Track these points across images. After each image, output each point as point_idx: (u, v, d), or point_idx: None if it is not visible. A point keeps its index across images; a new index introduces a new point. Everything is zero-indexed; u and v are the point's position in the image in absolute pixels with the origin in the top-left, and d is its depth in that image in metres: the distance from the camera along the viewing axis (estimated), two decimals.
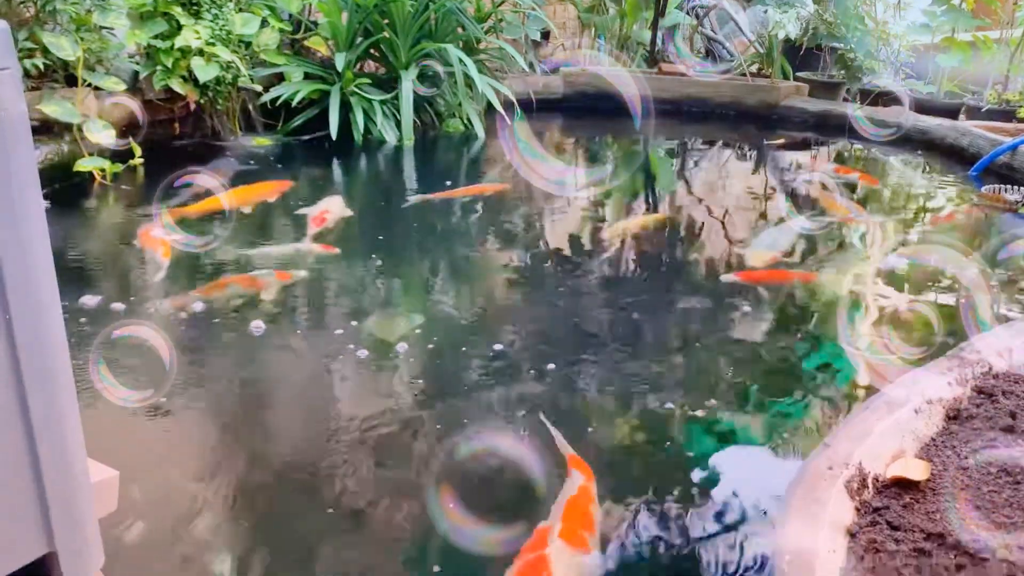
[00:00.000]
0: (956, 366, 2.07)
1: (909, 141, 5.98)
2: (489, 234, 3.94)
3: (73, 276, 3.04)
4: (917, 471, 1.68)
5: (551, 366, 2.49)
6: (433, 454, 2.08)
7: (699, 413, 2.30)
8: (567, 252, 3.67)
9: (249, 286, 2.99)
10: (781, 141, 6.31)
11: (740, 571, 1.72)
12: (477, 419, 2.24)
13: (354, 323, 2.76)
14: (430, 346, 2.63)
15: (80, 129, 4.06)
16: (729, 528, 1.85)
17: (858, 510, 1.59)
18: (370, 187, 4.87)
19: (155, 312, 2.77)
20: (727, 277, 3.33)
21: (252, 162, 4.80)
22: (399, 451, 2.10)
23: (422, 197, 4.26)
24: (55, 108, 3.95)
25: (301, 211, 3.84)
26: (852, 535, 1.53)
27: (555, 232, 4.02)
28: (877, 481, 1.67)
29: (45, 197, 1.25)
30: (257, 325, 2.67)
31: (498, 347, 2.63)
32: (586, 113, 6.94)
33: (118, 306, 2.76)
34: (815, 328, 2.93)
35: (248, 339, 2.62)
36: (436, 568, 1.69)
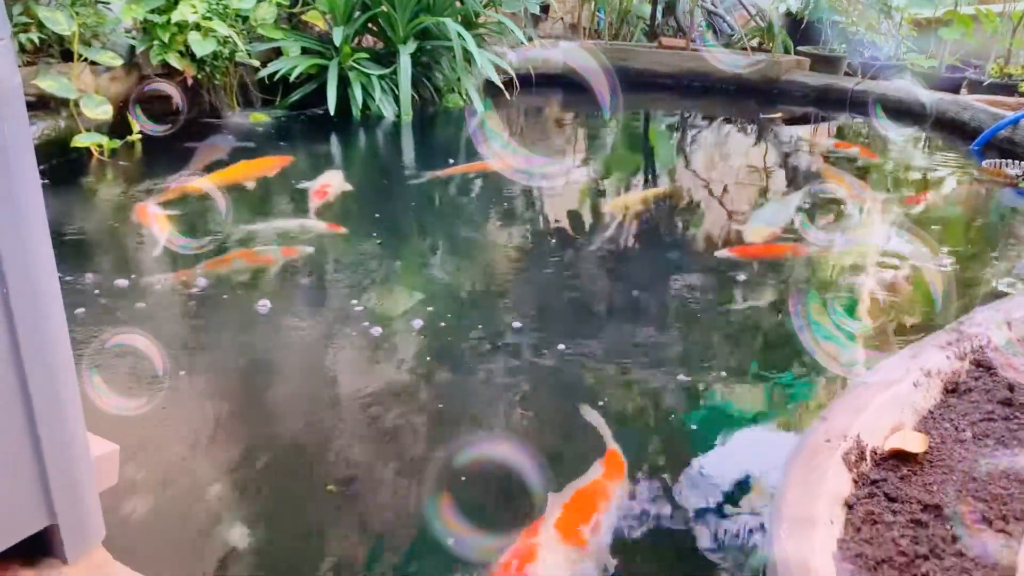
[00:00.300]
0: (955, 339, 2.07)
1: (910, 115, 5.94)
2: (501, 210, 3.92)
3: (75, 254, 3.03)
4: (915, 444, 1.69)
5: (561, 346, 2.51)
6: (462, 439, 2.09)
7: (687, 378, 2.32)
8: (575, 226, 3.69)
9: (254, 261, 3.01)
10: (779, 115, 6.27)
11: (738, 541, 1.74)
12: (503, 398, 2.27)
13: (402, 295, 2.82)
14: (462, 321, 2.65)
15: (77, 104, 4.04)
16: (727, 498, 1.86)
17: (856, 482, 1.60)
18: (379, 164, 4.84)
19: (160, 289, 2.78)
20: (721, 253, 3.33)
21: (251, 139, 4.78)
22: (419, 430, 2.12)
23: (433, 173, 4.24)
24: (51, 83, 3.92)
25: (302, 185, 3.84)
26: (850, 507, 1.54)
27: (564, 206, 4.03)
28: (875, 454, 1.67)
29: (42, 174, 1.24)
30: (263, 303, 2.67)
31: (517, 324, 2.65)
32: (585, 87, 6.87)
33: (122, 283, 2.77)
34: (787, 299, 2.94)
35: (255, 316, 2.63)
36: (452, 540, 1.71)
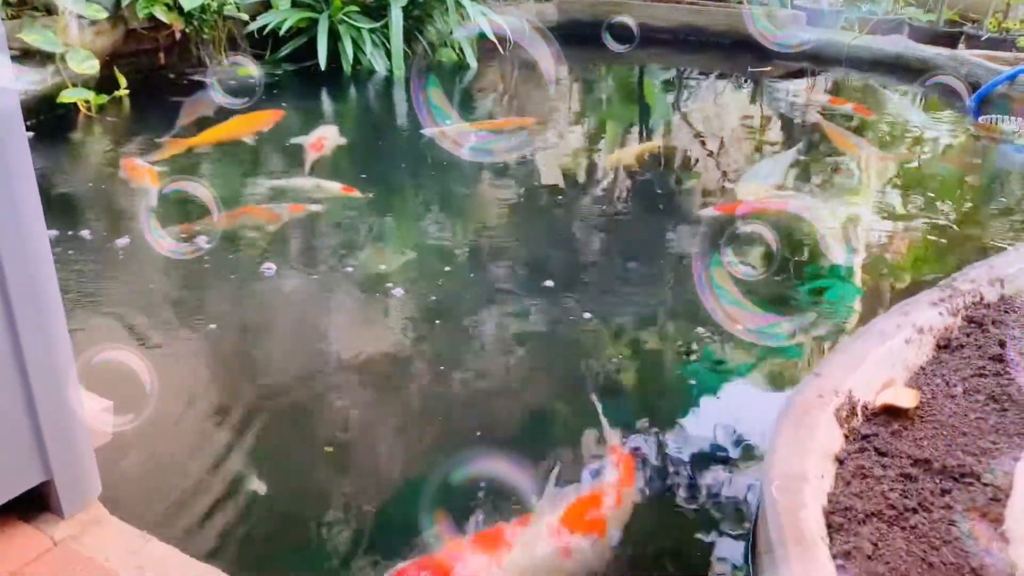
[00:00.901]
0: (948, 296, 2.07)
1: (907, 71, 5.89)
2: (495, 169, 3.87)
3: (72, 211, 3.01)
4: (906, 399, 1.70)
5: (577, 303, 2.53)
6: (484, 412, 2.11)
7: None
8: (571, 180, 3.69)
9: (264, 218, 3.02)
10: (768, 69, 6.18)
11: (731, 497, 1.76)
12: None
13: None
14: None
15: (63, 59, 3.97)
16: (718, 454, 1.88)
17: (847, 437, 1.61)
18: (374, 120, 4.78)
19: (165, 245, 2.77)
20: (707, 212, 3.34)
21: (241, 93, 4.70)
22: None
23: (437, 129, 4.17)
24: (36, 37, 3.85)
25: (298, 140, 3.81)
26: (840, 461, 1.55)
27: (563, 160, 4.04)
28: (866, 409, 1.69)
29: (29, 129, 1.23)
30: (268, 266, 2.67)
31: (548, 283, 2.66)
32: (579, 41, 6.77)
33: (123, 242, 2.76)
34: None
35: (261, 278, 2.64)
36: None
